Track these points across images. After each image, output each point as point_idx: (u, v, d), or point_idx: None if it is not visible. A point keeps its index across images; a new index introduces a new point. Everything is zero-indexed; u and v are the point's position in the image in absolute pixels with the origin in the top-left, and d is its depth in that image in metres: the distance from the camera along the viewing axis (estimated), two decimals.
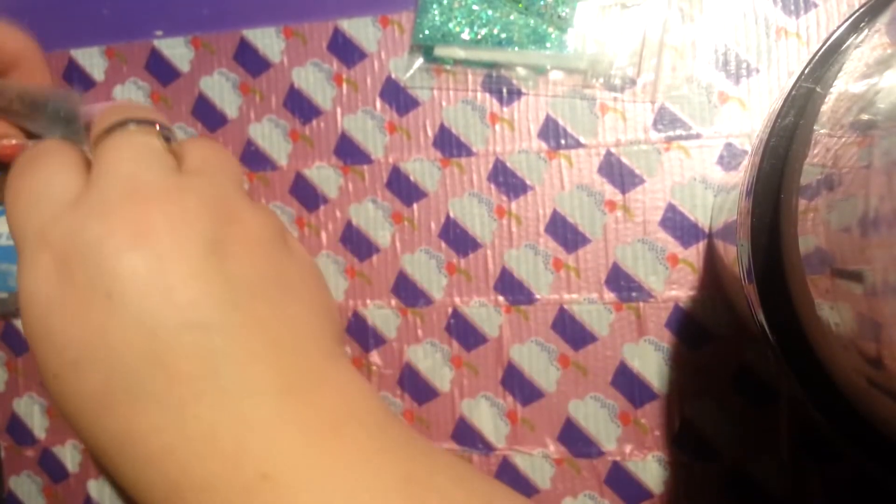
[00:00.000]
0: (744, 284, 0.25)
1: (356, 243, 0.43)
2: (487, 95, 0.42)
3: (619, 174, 0.40)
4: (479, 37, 0.41)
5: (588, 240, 0.41)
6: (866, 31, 0.22)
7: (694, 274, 0.40)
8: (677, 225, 0.40)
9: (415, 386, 0.43)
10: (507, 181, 0.42)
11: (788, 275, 0.22)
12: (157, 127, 0.27)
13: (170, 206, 0.24)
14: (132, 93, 0.46)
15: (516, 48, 0.40)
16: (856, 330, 0.17)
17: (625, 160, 0.40)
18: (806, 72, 0.23)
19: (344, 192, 0.44)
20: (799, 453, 0.38)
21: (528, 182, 0.41)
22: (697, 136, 0.40)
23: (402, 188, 0.43)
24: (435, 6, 0.41)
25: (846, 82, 0.21)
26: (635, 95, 0.40)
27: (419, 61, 0.43)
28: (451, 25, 0.41)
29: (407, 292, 0.43)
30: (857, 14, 0.23)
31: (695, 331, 0.39)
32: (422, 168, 0.43)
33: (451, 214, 0.42)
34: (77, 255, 0.23)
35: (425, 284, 0.43)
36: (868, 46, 0.21)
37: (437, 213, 0.43)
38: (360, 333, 0.43)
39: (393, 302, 0.43)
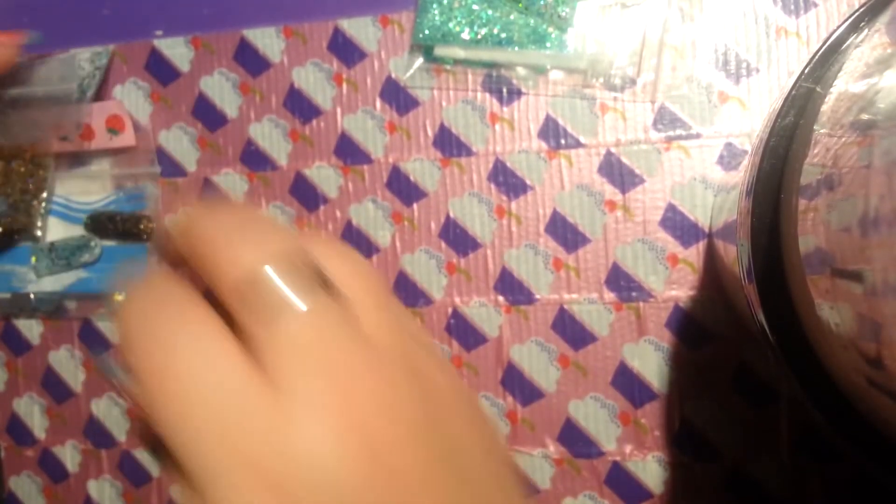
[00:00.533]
0: (744, 284, 0.25)
1: (356, 243, 0.43)
2: (487, 95, 0.42)
3: (619, 174, 0.40)
4: (480, 36, 0.41)
5: (588, 240, 0.41)
6: (866, 30, 0.22)
7: (694, 274, 0.40)
8: (677, 225, 0.40)
9: None
10: (507, 181, 0.42)
11: (788, 275, 0.22)
12: (309, 260, 0.22)
13: (382, 396, 0.21)
14: (132, 93, 0.46)
15: (516, 48, 0.40)
16: (855, 330, 0.17)
17: (625, 160, 0.40)
18: (806, 71, 0.23)
19: (344, 192, 0.44)
20: (799, 453, 0.38)
21: (528, 182, 0.41)
22: (697, 136, 0.40)
23: (402, 188, 0.43)
24: (435, 6, 0.41)
25: (846, 82, 0.21)
26: (635, 95, 0.40)
27: (419, 61, 0.43)
28: (451, 25, 0.41)
29: (407, 292, 0.43)
30: (857, 14, 0.23)
31: (695, 331, 0.39)
32: (422, 168, 0.43)
33: (451, 214, 0.42)
34: (296, 480, 0.20)
35: (425, 284, 0.43)
36: (868, 46, 0.21)
37: (437, 213, 0.43)
38: None
39: None
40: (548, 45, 0.40)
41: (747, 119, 0.39)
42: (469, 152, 0.42)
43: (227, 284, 0.21)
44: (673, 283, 0.40)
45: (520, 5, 0.40)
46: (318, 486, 0.20)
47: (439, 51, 0.42)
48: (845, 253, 0.17)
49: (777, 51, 0.39)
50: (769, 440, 0.38)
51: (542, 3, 0.40)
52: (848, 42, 0.23)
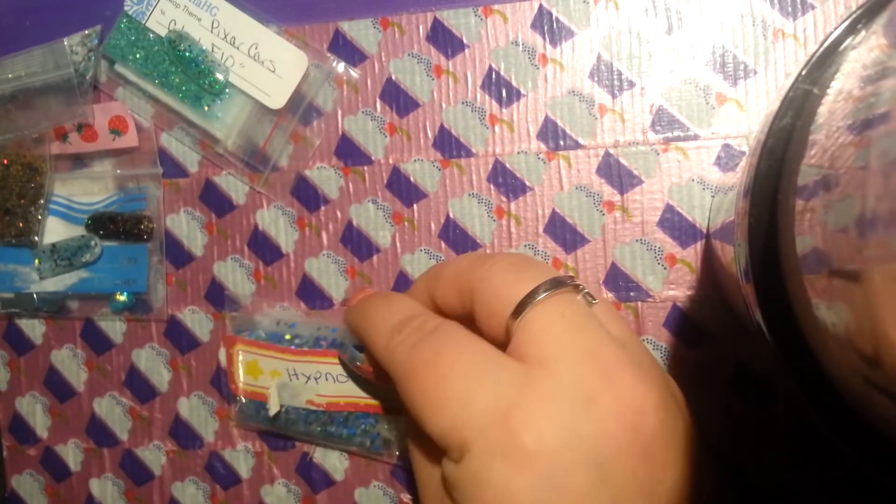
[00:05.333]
0: (741, 284, 0.25)
1: (356, 244, 0.44)
2: (487, 97, 0.42)
3: (617, 175, 0.41)
4: (153, 73, 0.45)
5: (587, 240, 0.41)
6: (863, 32, 0.22)
7: (692, 274, 0.40)
8: (675, 225, 0.40)
9: None
10: (507, 182, 0.42)
11: (785, 275, 0.22)
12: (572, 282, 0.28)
13: (644, 384, 0.25)
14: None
15: (180, 96, 0.44)
16: (853, 329, 0.17)
17: (623, 161, 0.41)
18: (803, 73, 0.23)
19: (344, 193, 0.44)
20: (797, 453, 0.38)
21: (527, 183, 0.42)
22: (695, 138, 0.40)
23: (403, 189, 0.43)
24: (124, 24, 0.45)
25: (843, 84, 0.21)
26: (633, 97, 0.41)
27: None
28: (134, 49, 0.45)
29: None
30: (854, 16, 0.23)
31: (692, 330, 0.40)
32: (422, 169, 0.43)
33: (451, 215, 0.43)
34: (575, 461, 0.24)
35: None
36: (865, 48, 0.21)
37: (437, 214, 0.43)
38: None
39: None
40: (205, 107, 0.44)
41: (745, 120, 0.39)
42: (469, 153, 0.42)
43: (506, 307, 0.27)
44: (671, 283, 0.40)
45: (178, 69, 0.44)
46: (578, 456, 0.24)
47: (119, 67, 0.46)
48: (842, 253, 0.17)
49: (774, 53, 0.39)
50: (767, 439, 0.38)
51: (197, 69, 0.43)
52: (845, 44, 0.23)
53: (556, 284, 0.27)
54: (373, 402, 0.42)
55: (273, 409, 0.42)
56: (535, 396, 0.25)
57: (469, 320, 0.30)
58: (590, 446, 0.24)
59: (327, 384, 0.42)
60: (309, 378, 0.42)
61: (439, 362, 0.27)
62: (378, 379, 0.37)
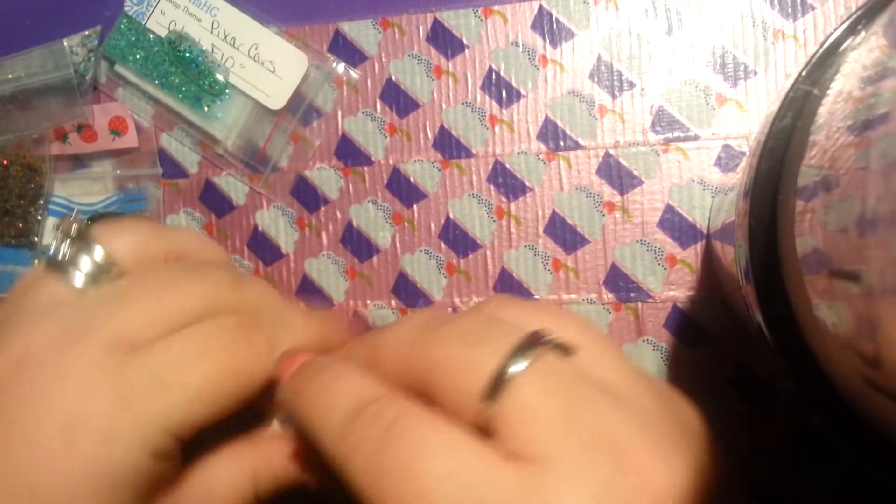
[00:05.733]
0: (742, 285, 0.25)
1: (356, 244, 0.44)
2: (487, 97, 0.42)
3: (617, 175, 0.41)
4: (154, 74, 0.45)
5: (587, 240, 0.41)
6: (863, 33, 0.22)
7: (692, 274, 0.40)
8: (675, 226, 0.40)
9: None
10: (507, 182, 0.42)
11: (786, 275, 0.22)
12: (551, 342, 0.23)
13: (663, 461, 0.21)
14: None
15: (180, 97, 0.45)
16: (853, 330, 0.17)
17: (623, 162, 0.41)
18: (803, 74, 0.23)
19: (344, 194, 0.44)
20: (797, 453, 0.38)
21: (527, 183, 0.42)
22: (695, 138, 0.40)
23: (403, 189, 0.43)
24: (124, 24, 0.45)
25: (843, 84, 0.21)
26: (633, 98, 0.41)
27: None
28: (134, 50, 0.45)
29: (407, 293, 0.43)
30: (854, 17, 0.23)
31: (693, 331, 0.40)
32: (422, 169, 0.43)
33: (451, 215, 0.43)
34: None
35: (425, 285, 0.43)
36: (865, 49, 0.21)
37: (437, 214, 0.43)
38: (361, 334, 0.43)
39: (393, 302, 0.43)
40: (205, 108, 0.44)
41: (745, 121, 0.39)
42: (469, 154, 0.42)
43: (465, 392, 0.22)
44: (671, 284, 0.40)
45: (178, 70, 0.44)
46: None
47: (118, 68, 0.46)
48: (843, 253, 0.17)
49: (774, 53, 0.39)
50: (767, 440, 0.38)
51: (197, 70, 0.44)
52: (845, 45, 0.23)
53: (526, 348, 0.22)
54: None
55: None
56: None
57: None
58: None
59: None
60: None
61: (419, 473, 0.21)
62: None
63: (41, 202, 0.46)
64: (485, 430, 0.22)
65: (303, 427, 0.26)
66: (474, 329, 0.24)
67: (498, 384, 0.22)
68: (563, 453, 0.21)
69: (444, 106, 0.43)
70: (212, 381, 0.25)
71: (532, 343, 0.22)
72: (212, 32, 0.44)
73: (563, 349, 0.23)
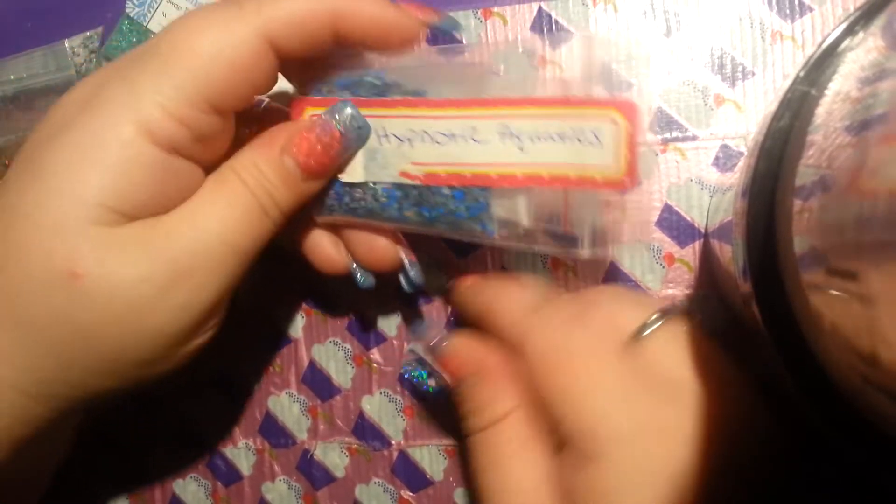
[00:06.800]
0: (740, 283, 0.25)
1: None
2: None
3: None
4: None
5: None
6: (861, 34, 0.23)
7: (690, 273, 0.40)
8: (674, 225, 0.40)
9: None
10: None
11: (784, 274, 0.22)
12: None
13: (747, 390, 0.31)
14: None
15: None
16: (851, 328, 0.17)
17: None
18: (801, 75, 0.24)
19: None
20: (795, 451, 0.38)
21: None
22: (693, 138, 0.40)
23: None
24: (127, 27, 0.45)
25: (841, 85, 0.21)
26: (632, 98, 0.41)
27: None
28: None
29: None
30: (852, 18, 0.23)
31: None
32: None
33: None
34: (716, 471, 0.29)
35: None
36: (863, 50, 0.21)
37: None
38: (362, 331, 0.43)
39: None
40: None
41: (743, 122, 0.40)
42: None
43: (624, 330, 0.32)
44: (669, 282, 0.40)
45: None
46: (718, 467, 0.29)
47: None
48: (840, 252, 0.17)
49: (772, 54, 0.39)
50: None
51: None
52: (843, 46, 0.23)
53: (662, 313, 0.32)
54: (483, 171, 0.32)
55: (353, 177, 0.32)
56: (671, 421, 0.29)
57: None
58: (729, 457, 0.29)
59: (425, 147, 0.32)
60: (403, 140, 0.32)
61: (579, 366, 0.30)
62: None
63: None
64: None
65: (484, 314, 0.36)
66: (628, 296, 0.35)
67: (643, 329, 0.31)
68: (688, 386, 0.30)
69: None
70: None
71: (665, 311, 0.32)
72: None
73: (687, 314, 0.32)
